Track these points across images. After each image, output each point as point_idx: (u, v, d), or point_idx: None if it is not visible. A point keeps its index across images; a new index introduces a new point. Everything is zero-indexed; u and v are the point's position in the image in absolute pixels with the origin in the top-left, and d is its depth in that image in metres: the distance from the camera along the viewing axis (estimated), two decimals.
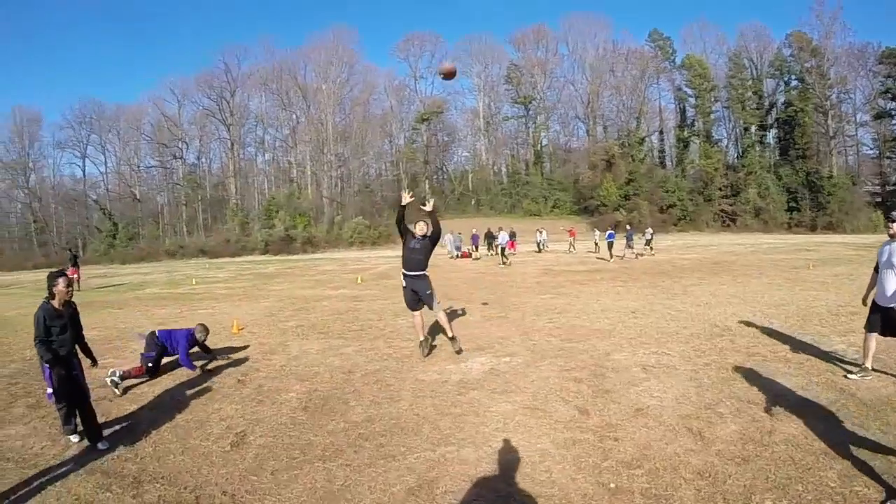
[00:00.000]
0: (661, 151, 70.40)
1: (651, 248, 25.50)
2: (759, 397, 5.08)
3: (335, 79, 66.08)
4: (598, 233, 29.26)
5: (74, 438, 4.90)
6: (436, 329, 8.01)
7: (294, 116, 68.24)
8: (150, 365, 6.91)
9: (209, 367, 7.32)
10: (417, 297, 7.18)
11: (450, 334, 7.28)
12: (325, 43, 66.65)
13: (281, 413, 5.41)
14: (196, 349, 7.45)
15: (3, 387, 6.85)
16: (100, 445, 4.73)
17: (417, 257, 7.05)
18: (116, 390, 6.23)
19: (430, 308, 7.18)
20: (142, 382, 6.75)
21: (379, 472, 4.04)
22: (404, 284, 7.17)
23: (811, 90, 60.45)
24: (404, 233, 7.15)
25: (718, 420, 4.62)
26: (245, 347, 8.59)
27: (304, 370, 7.01)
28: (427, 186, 67.94)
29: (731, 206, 58.31)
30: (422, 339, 7.32)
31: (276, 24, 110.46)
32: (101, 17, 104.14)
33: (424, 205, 7.48)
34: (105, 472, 4.30)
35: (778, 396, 5.08)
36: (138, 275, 31.39)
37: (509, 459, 4.12)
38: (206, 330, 7.56)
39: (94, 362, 5.35)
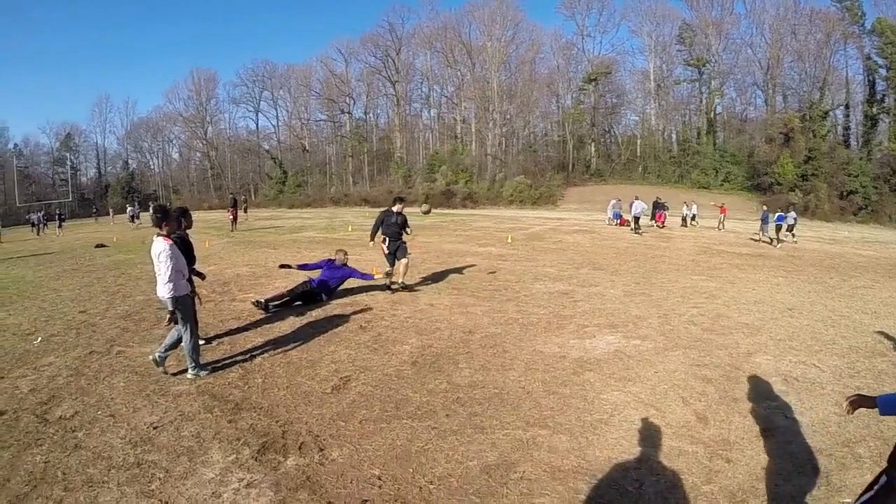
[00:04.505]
0: (846, 128, 59.05)
1: (793, 236, 22.09)
2: None
3: (500, 37, 64.64)
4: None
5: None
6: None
7: (459, 74, 68.52)
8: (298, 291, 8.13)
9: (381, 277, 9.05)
10: (395, 257, 9.05)
11: (400, 280, 9.19)
12: (489, 1, 65.35)
13: (389, 364, 5.43)
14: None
15: (154, 309, 7.82)
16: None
17: (396, 230, 9.07)
18: (261, 308, 7.60)
19: (404, 257, 9.11)
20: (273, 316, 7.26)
21: (463, 441, 3.84)
22: (387, 250, 9.03)
23: None
24: (382, 220, 9.17)
25: (854, 463, 3.66)
26: (377, 294, 8.80)
27: (426, 324, 7.02)
28: (593, 149, 65.25)
29: None
30: (401, 282, 9.19)
31: None
32: None
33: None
34: (213, 396, 4.64)
35: None
36: (301, 219, 34.13)
37: (600, 459, 3.66)
38: (345, 254, 8.90)
39: (202, 276, 6.37)
